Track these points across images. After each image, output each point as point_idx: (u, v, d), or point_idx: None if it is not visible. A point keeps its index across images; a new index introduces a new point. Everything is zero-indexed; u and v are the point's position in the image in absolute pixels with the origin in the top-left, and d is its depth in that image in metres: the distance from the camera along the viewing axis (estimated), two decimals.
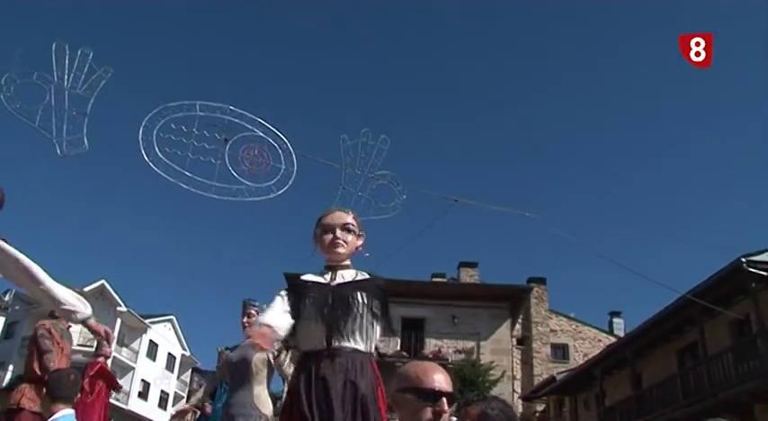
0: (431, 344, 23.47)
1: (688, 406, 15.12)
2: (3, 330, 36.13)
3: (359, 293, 2.52)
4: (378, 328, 2.53)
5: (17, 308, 38.75)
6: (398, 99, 77.32)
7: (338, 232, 2.66)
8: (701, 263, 57.41)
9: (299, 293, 2.53)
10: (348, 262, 2.70)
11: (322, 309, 2.46)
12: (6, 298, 37.90)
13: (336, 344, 2.44)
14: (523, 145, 73.84)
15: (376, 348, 2.55)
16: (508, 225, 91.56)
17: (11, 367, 36.34)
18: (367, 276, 2.65)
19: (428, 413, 1.87)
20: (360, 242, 2.74)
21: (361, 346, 2.46)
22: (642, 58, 72.33)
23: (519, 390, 26.63)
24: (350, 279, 2.62)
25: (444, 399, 1.90)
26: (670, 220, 73.77)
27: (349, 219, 2.72)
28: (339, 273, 2.63)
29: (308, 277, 2.63)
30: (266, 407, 4.54)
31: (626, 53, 72.71)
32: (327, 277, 2.62)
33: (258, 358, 4.62)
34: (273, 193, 8.33)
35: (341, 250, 2.65)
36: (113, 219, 73.33)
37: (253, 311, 4.82)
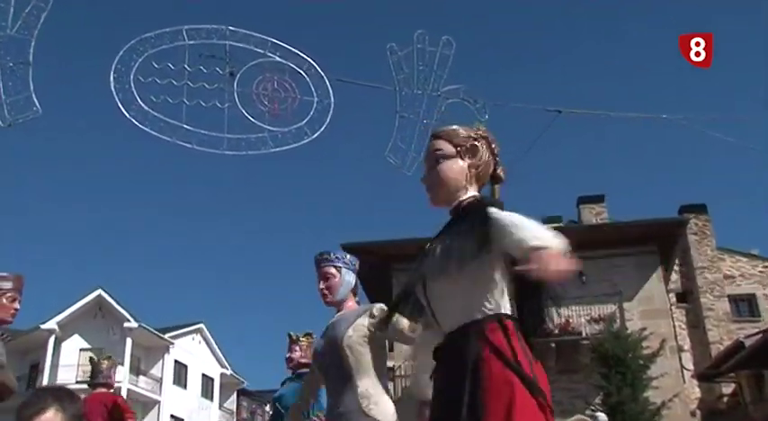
0: (555, 316, 23.47)
1: None
2: None
3: None
4: None
5: None
6: None
7: None
8: None
9: None
10: None
11: None
12: None
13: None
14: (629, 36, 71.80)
15: None
16: (639, 139, 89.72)
17: None
18: None
19: None
20: None
21: None
22: None
23: (691, 366, 26.43)
24: None
25: None
26: None
27: None
28: None
29: None
30: (383, 409, 3.93)
31: None
32: None
33: (353, 336, 4.05)
34: (307, 137, 8.38)
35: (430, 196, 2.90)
36: (98, 209, 75.27)
37: (332, 270, 4.38)
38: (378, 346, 4.08)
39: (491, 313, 2.47)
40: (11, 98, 7.51)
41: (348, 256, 4.47)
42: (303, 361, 6.13)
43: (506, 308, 2.50)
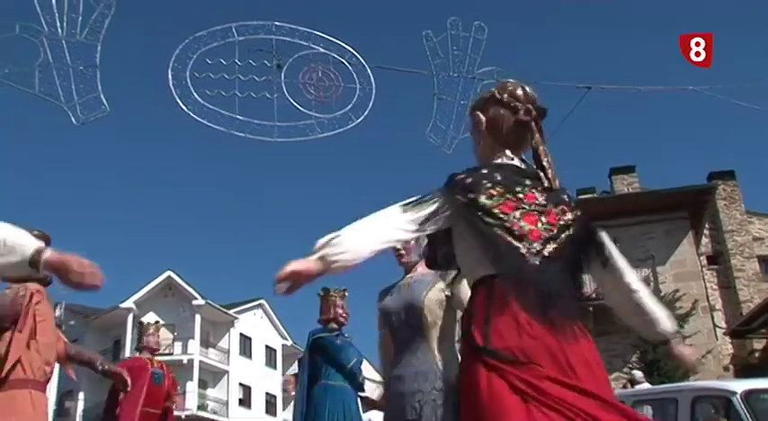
0: (588, 281, 23.29)
1: None
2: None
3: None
4: None
5: (72, 323, 41.41)
6: None
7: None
8: None
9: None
10: None
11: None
12: (57, 312, 40.45)
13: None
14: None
15: None
16: (668, 110, 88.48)
17: (81, 394, 39.07)
18: None
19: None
20: None
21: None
22: None
23: (723, 325, 26.08)
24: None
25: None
26: None
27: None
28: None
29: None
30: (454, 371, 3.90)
31: None
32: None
33: (434, 300, 3.91)
34: (352, 122, 8.40)
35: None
36: (162, 196, 76.19)
37: None
38: (452, 309, 3.88)
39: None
40: (82, 99, 7.62)
41: None
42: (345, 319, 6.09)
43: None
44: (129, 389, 5.70)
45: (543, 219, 2.40)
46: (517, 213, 2.38)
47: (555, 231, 2.39)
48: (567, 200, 2.50)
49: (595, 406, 2.11)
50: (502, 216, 2.37)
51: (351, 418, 5.84)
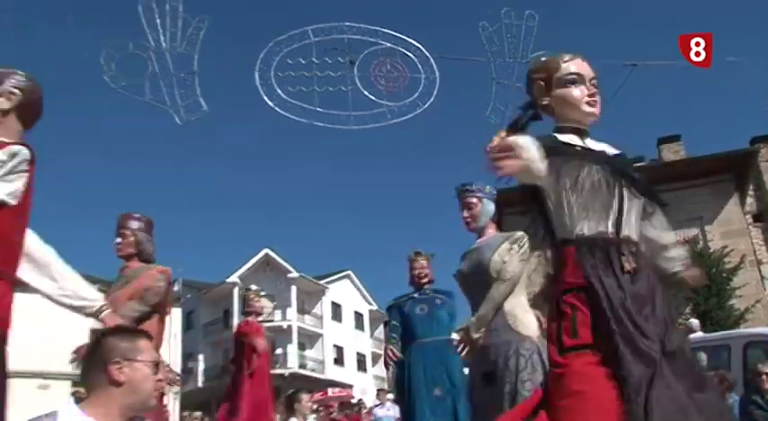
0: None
1: None
2: (183, 322, 39.72)
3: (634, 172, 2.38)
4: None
5: (189, 296, 42.51)
6: None
7: (591, 87, 2.33)
8: None
9: (571, 155, 2.21)
10: None
11: (608, 181, 2.20)
12: (176, 287, 41.54)
13: (626, 232, 2.20)
14: None
15: None
16: (709, 82, 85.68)
17: (201, 356, 40.24)
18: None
19: None
20: None
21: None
22: None
23: None
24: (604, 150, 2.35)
25: None
26: None
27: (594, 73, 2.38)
28: (587, 142, 2.33)
29: (568, 139, 2.30)
30: (528, 326, 3.77)
31: None
32: (582, 143, 2.32)
33: (498, 260, 3.85)
34: (420, 108, 8.37)
35: (598, 110, 2.34)
36: (254, 181, 77.28)
37: (474, 200, 4.10)
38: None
39: None
40: (184, 102, 7.79)
41: (488, 187, 4.16)
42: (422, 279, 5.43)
43: None
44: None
45: None
46: None
47: None
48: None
49: None
50: None
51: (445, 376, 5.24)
